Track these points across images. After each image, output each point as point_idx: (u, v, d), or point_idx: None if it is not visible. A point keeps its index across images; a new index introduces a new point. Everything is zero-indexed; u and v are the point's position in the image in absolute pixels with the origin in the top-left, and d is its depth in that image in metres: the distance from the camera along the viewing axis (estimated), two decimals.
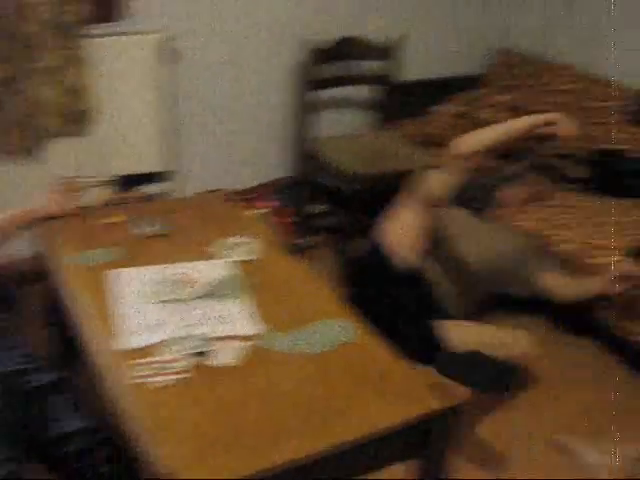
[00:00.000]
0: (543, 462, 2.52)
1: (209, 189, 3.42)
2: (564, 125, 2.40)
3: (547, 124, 2.45)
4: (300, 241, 3.62)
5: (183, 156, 3.60)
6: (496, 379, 2.36)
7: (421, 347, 2.77)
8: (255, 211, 3.58)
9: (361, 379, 1.77)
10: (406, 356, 2.67)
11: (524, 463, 2.50)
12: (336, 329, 1.93)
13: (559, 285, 2.69)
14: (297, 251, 3.54)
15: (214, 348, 1.80)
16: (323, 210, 3.85)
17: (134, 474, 2.03)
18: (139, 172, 3.09)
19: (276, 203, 3.71)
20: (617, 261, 2.69)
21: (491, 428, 2.61)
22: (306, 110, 3.62)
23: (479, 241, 2.74)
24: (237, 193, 3.68)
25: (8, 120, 2.96)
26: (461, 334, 2.80)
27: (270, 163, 3.96)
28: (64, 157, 3.16)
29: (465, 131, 3.83)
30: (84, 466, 2.04)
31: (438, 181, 2.47)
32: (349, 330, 1.93)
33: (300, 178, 3.80)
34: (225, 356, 1.78)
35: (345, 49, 3.74)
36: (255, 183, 3.88)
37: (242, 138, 3.82)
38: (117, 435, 1.94)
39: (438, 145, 3.81)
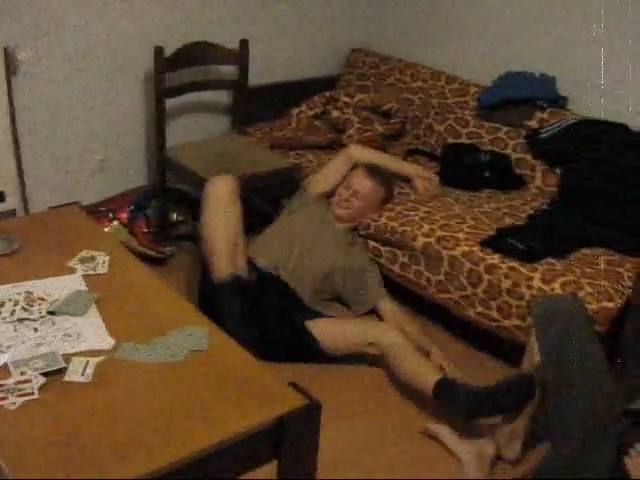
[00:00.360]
0: (421, 450, 2.62)
1: (60, 204, 3.35)
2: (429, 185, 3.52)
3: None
4: (159, 250, 3.59)
5: (28, 172, 3.51)
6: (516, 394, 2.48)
7: (294, 345, 2.89)
8: (112, 223, 3.53)
9: (216, 385, 1.78)
10: (281, 355, 2.79)
11: (402, 454, 2.60)
12: (189, 337, 1.93)
13: (393, 316, 3.24)
14: (156, 261, 3.53)
15: (64, 366, 1.77)
16: (182, 218, 3.82)
17: None
18: None
19: (134, 213, 3.67)
20: (433, 353, 3.02)
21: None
22: (160, 117, 3.60)
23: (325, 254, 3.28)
24: (93, 205, 3.63)
25: None
26: (328, 329, 2.93)
27: (127, 173, 3.92)
28: None
29: (320, 132, 3.96)
30: None
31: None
32: (203, 338, 1.94)
33: (158, 186, 3.77)
34: (76, 372, 1.76)
35: (196, 54, 3.74)
36: (112, 194, 3.83)
37: (95, 149, 3.76)
38: None
39: (294, 148, 3.89)
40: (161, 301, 2.12)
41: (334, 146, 3.92)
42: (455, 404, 2.57)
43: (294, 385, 1.80)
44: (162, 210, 3.74)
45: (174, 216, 3.81)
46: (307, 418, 1.75)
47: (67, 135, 3.62)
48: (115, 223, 3.60)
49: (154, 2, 3.68)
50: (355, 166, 3.45)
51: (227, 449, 1.63)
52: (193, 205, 3.82)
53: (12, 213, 3.44)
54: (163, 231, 3.71)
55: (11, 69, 3.27)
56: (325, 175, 3.51)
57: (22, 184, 3.48)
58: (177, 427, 1.64)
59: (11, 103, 3.31)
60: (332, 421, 2.22)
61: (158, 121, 3.60)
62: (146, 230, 3.61)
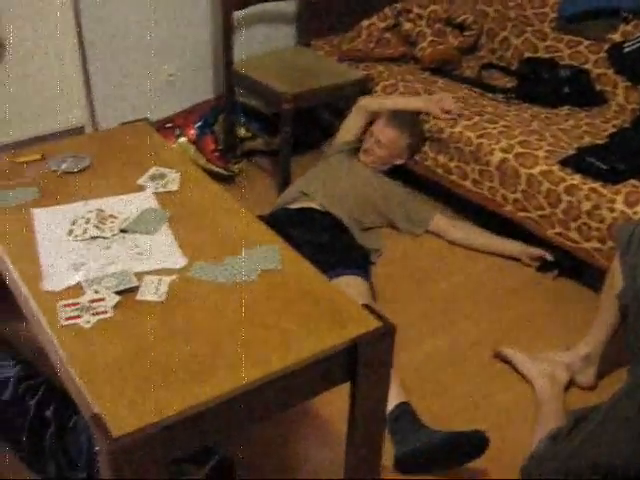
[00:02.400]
0: (491, 370, 2.59)
1: (128, 120, 3.32)
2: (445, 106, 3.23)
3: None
4: (228, 167, 3.55)
5: (96, 87, 3.48)
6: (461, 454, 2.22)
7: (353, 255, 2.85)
8: (179, 139, 3.49)
9: (289, 306, 1.74)
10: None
11: (473, 374, 2.56)
12: (262, 256, 1.90)
13: (448, 229, 3.31)
14: (224, 178, 3.50)
15: (137, 284, 1.76)
16: (250, 133, 3.77)
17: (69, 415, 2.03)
18: None
19: (201, 129, 3.62)
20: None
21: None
22: (227, 30, 3.50)
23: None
24: (159, 122, 3.59)
25: None
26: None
27: (195, 88, 3.86)
28: None
29: (392, 45, 3.83)
30: (16, 414, 2.02)
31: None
32: (275, 256, 1.90)
33: (226, 101, 3.70)
34: (150, 292, 1.75)
35: None
36: (178, 110, 3.78)
37: (161, 63, 3.70)
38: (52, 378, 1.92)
39: (363, 60, 3.77)
40: (233, 219, 2.08)
41: (406, 59, 3.79)
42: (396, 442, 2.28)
43: (368, 307, 1.76)
44: (230, 126, 3.68)
45: (242, 131, 3.76)
46: (381, 341, 1.71)
47: (135, 50, 3.56)
48: (182, 140, 3.57)
49: None
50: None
51: (301, 371, 1.60)
52: (262, 120, 3.77)
53: (80, 129, 3.43)
54: (231, 148, 3.66)
55: None
56: (346, 129, 3.47)
57: (90, 100, 3.46)
58: (251, 348, 1.61)
59: (78, 16, 3.26)
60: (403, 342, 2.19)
61: (226, 34, 3.50)
62: (214, 147, 3.57)
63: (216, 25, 3.71)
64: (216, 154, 3.55)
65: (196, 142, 3.54)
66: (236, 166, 3.58)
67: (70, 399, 1.92)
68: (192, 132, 3.58)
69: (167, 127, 3.56)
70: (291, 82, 3.36)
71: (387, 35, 3.91)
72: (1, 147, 2.87)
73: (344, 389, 1.72)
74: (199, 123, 3.63)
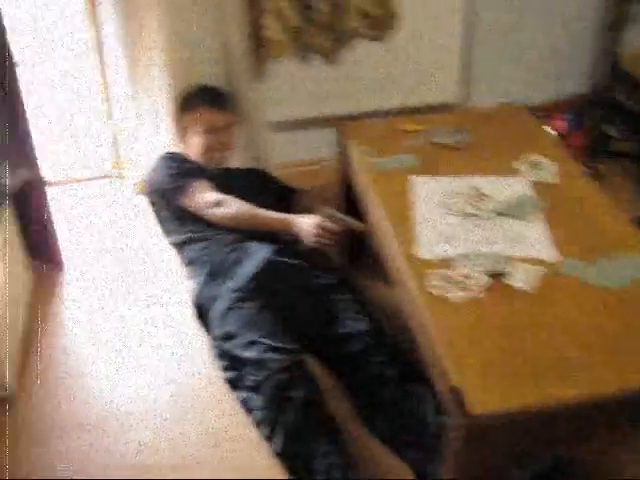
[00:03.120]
0: None
1: (501, 101, 3.30)
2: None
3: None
4: (594, 166, 3.39)
5: (475, 66, 3.48)
6: None
7: None
8: (548, 129, 3.40)
9: None
10: None
11: None
12: (636, 264, 1.78)
13: None
14: (590, 177, 3.35)
15: (509, 269, 1.74)
16: (623, 134, 3.56)
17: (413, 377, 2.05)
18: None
19: (571, 123, 3.49)
20: None
21: None
22: (620, 21, 3.31)
23: None
24: (530, 109, 3.51)
25: (315, 21, 3.01)
26: None
27: (569, 77, 3.72)
28: (363, 61, 3.19)
29: None
30: (364, 367, 2.10)
31: None
32: None
33: (599, 96, 3.52)
34: (520, 279, 1.72)
35: None
36: (548, 98, 3.68)
37: (538, 48, 3.61)
38: (402, 339, 1.97)
39: None
40: (608, 220, 1.98)
41: None
42: None
43: None
44: (602, 124, 3.50)
45: (613, 131, 3.56)
46: None
47: (517, 33, 3.52)
48: (546, 129, 3.47)
49: None
50: None
51: None
52: (636, 122, 3.55)
53: (452, 106, 3.47)
54: (600, 147, 3.49)
55: None
56: None
57: (466, 78, 3.48)
58: (618, 357, 1.53)
59: None
60: None
61: (614, 26, 3.31)
62: (582, 143, 3.43)
63: (601, 13, 3.52)
64: (583, 151, 3.40)
65: (565, 135, 3.42)
66: (601, 166, 3.41)
67: (414, 368, 1.97)
68: (561, 124, 3.47)
69: (539, 115, 3.48)
70: None
71: None
72: (381, 112, 2.98)
73: None
74: (570, 116, 3.50)
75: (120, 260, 2.91)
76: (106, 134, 3.31)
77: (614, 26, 3.32)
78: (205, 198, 2.43)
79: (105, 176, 3.44)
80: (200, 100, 2.66)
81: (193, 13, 2.74)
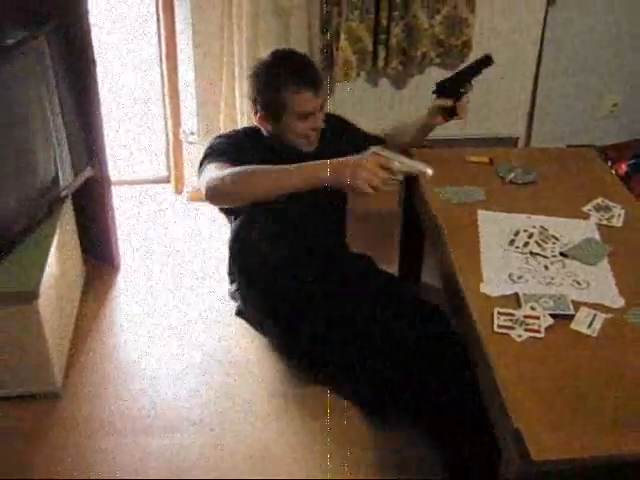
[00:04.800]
0: None
1: (571, 144, 3.30)
2: None
3: None
4: None
5: (540, 103, 3.48)
6: None
7: None
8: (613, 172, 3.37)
9: None
10: None
11: None
12: None
13: None
14: None
15: (573, 312, 1.73)
16: None
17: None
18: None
19: (634, 167, 3.46)
20: None
21: None
22: None
23: None
24: (595, 149, 3.50)
25: (391, 45, 3.03)
26: None
27: (634, 121, 3.70)
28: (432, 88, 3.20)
29: None
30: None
31: None
32: None
33: None
34: (583, 323, 1.70)
35: None
36: (614, 140, 3.65)
37: (608, 91, 3.60)
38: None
39: None
40: None
41: None
42: None
43: None
44: None
45: None
46: None
47: (586, 73, 3.51)
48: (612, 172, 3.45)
49: None
50: None
51: None
52: None
53: (514, 140, 3.48)
54: None
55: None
56: None
57: (531, 113, 3.48)
58: None
59: (543, 35, 3.30)
60: None
61: None
62: None
63: None
64: None
65: (626, 178, 3.39)
66: None
67: None
68: (624, 167, 3.44)
69: (603, 157, 3.46)
70: None
71: None
72: (445, 140, 2.96)
73: None
74: (633, 160, 3.47)
75: (172, 263, 2.95)
76: (167, 140, 3.36)
77: None
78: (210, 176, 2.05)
79: (162, 180, 3.50)
80: (291, 80, 2.17)
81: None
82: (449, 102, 2.32)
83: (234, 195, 2.03)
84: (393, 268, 2.68)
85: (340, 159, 1.91)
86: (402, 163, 1.91)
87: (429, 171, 1.93)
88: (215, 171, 2.04)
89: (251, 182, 1.99)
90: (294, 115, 2.17)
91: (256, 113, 2.24)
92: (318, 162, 1.94)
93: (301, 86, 2.14)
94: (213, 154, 2.16)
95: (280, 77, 2.16)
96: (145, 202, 3.35)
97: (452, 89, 2.34)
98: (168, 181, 3.46)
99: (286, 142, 2.23)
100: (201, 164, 2.18)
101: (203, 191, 2.06)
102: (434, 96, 2.38)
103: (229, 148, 2.19)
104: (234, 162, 2.05)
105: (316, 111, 2.19)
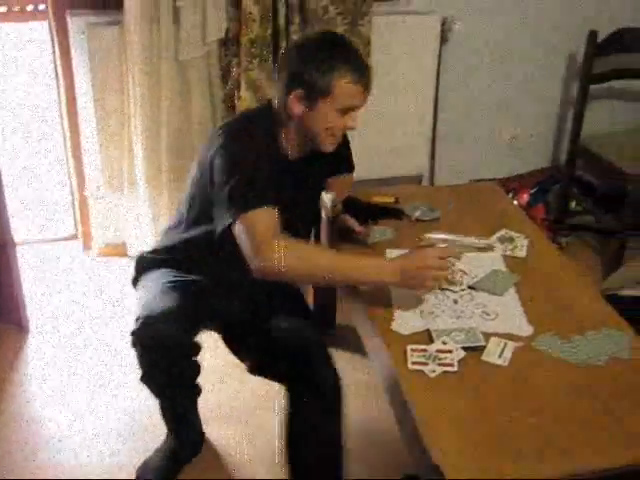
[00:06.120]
0: None
1: (471, 179, 3.40)
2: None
3: None
4: (555, 239, 3.48)
5: (440, 140, 3.58)
6: None
7: None
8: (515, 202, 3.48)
9: (635, 402, 1.65)
10: None
11: None
12: (610, 340, 1.81)
13: None
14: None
15: (483, 344, 1.77)
16: (581, 208, 3.66)
17: None
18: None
19: (535, 196, 3.58)
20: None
21: None
22: (581, 103, 3.44)
23: None
24: (497, 182, 3.61)
25: None
26: None
27: (532, 153, 3.85)
28: None
29: None
30: None
31: None
32: (623, 343, 1.81)
33: (564, 172, 3.63)
34: (494, 354, 1.74)
35: (629, 40, 3.52)
36: (513, 173, 3.78)
37: (504, 125, 3.74)
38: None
39: None
40: (578, 295, 2.03)
41: None
42: None
43: None
44: (564, 198, 3.60)
45: (572, 205, 3.67)
46: None
47: (481, 108, 3.64)
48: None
49: None
50: None
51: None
52: (596, 197, 3.66)
53: (418, 178, 3.55)
54: (561, 219, 3.58)
55: (444, 39, 3.36)
56: None
57: (432, 152, 3.57)
58: (594, 435, 1.55)
59: (438, 83, 3.41)
60: None
61: (578, 107, 3.45)
62: (544, 216, 3.52)
63: (568, 95, 3.69)
64: (545, 224, 3.49)
65: (527, 208, 3.50)
66: (564, 239, 3.50)
67: None
68: (525, 197, 3.56)
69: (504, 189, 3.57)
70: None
71: None
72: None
73: None
74: (534, 190, 3.59)
75: (83, 320, 2.89)
76: (72, 197, 3.31)
77: (579, 106, 3.43)
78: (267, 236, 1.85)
79: (69, 237, 3.43)
80: (349, 69, 1.97)
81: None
82: (357, 226, 2.22)
83: (303, 280, 2.15)
84: None
85: (402, 259, 1.88)
86: (462, 245, 2.16)
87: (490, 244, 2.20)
88: (267, 222, 1.86)
89: (326, 279, 1.99)
90: (336, 105, 1.97)
91: (290, 90, 1.99)
92: (383, 263, 1.91)
93: (357, 79, 1.96)
94: (249, 193, 1.89)
95: (338, 61, 1.96)
96: (53, 260, 3.28)
97: (361, 215, 2.27)
98: (76, 237, 3.39)
99: (309, 133, 2.03)
100: (232, 197, 1.89)
101: (273, 257, 1.82)
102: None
103: (261, 186, 1.91)
104: (275, 206, 1.89)
105: (357, 110, 2.03)
